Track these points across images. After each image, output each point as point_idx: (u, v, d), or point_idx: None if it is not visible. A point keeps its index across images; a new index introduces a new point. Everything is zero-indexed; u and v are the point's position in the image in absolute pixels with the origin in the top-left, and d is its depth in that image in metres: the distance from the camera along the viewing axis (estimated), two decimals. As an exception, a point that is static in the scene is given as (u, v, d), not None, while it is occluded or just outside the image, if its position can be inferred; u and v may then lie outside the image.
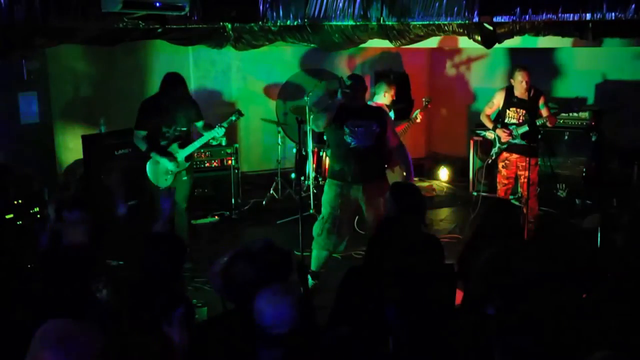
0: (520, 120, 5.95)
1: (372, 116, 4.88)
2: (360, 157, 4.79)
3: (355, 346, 2.62)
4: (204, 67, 8.34)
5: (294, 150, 7.73)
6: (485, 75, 8.92)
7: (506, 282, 2.82)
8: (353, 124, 4.77)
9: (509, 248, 3.25)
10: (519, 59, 7.37)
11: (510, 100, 6.00)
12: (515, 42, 6.27)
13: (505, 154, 6.06)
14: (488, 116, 6.20)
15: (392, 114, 6.43)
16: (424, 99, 7.07)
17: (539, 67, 7.59)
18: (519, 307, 2.76)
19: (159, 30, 5.59)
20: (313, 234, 5.00)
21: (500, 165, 6.14)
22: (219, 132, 5.45)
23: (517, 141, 5.96)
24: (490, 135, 6.24)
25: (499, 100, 6.11)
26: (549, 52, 7.85)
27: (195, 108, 5.57)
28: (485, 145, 7.28)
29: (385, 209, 4.57)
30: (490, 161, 6.28)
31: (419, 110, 6.89)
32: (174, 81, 5.29)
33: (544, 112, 5.95)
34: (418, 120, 6.87)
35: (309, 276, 4.91)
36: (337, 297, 3.18)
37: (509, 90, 6.03)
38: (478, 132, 7.67)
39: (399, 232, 3.37)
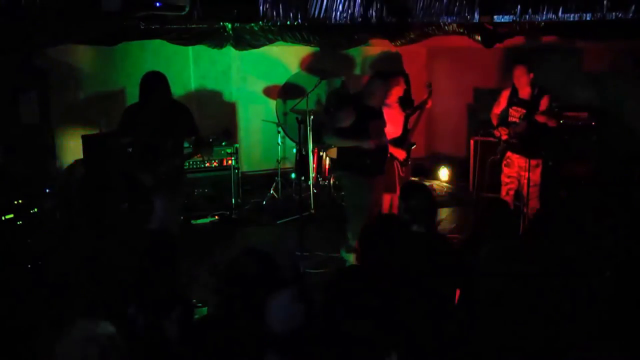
0: (519, 120, 5.92)
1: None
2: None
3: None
4: (204, 67, 8.34)
5: (294, 150, 7.73)
6: (485, 75, 8.91)
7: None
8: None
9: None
10: (519, 59, 7.36)
11: (513, 98, 5.96)
12: (515, 41, 6.27)
13: (509, 153, 6.04)
14: (495, 114, 6.16)
15: None
16: (426, 84, 6.95)
17: (539, 67, 7.58)
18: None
19: (159, 30, 5.60)
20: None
21: (503, 164, 6.12)
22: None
23: (517, 140, 5.93)
24: (497, 133, 6.21)
25: (504, 98, 6.07)
26: (549, 52, 7.85)
27: (184, 118, 4.78)
28: (485, 145, 7.30)
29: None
30: (495, 159, 6.24)
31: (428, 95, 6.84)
32: (148, 83, 4.59)
33: (545, 111, 5.89)
34: (428, 106, 6.84)
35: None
36: (331, 297, 3.15)
37: (514, 88, 5.98)
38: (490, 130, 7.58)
39: (395, 230, 3.36)
